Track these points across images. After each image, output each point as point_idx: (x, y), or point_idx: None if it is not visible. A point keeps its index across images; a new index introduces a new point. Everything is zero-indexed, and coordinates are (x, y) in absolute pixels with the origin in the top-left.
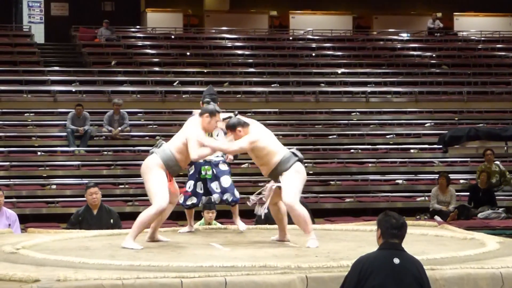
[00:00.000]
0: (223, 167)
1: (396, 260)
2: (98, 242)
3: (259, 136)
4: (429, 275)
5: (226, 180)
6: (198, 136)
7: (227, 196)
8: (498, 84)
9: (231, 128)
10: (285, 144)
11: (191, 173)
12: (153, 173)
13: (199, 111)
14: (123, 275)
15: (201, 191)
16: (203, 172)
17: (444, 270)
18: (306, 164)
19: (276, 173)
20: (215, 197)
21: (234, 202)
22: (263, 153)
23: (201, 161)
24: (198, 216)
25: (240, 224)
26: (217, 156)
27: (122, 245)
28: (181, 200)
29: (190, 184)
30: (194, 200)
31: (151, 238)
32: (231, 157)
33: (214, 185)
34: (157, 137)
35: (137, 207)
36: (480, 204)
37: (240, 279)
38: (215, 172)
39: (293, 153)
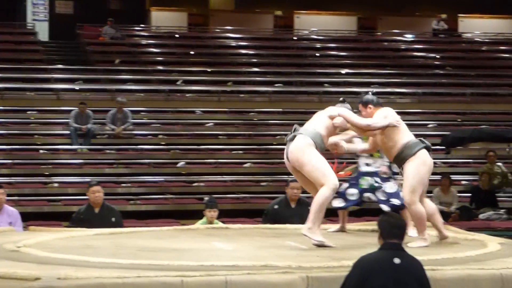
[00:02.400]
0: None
1: (397, 260)
2: (100, 240)
3: (392, 113)
4: (430, 276)
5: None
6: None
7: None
8: (501, 86)
9: (363, 103)
10: None
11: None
12: (310, 153)
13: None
14: (124, 273)
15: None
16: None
17: (445, 271)
18: None
19: (401, 158)
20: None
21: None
22: (393, 134)
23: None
24: (200, 215)
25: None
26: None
27: (303, 232)
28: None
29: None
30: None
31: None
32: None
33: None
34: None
35: (139, 205)
36: (482, 205)
37: (241, 278)
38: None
39: (421, 140)
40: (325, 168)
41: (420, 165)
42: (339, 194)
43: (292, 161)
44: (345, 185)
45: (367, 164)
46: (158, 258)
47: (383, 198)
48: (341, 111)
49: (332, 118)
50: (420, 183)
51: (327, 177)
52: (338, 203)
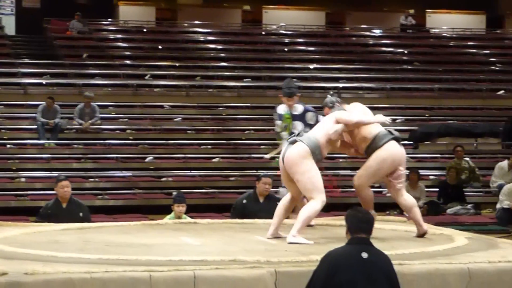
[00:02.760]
0: None
1: (364, 255)
2: (68, 235)
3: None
4: (397, 270)
5: None
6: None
7: None
8: (469, 81)
9: (329, 106)
10: (257, 139)
11: None
12: (307, 164)
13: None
14: (92, 268)
15: None
16: None
17: (412, 265)
18: (277, 159)
19: (370, 150)
20: None
21: None
22: (364, 127)
23: None
24: (168, 210)
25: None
26: None
27: (289, 240)
28: None
29: None
30: None
31: (273, 235)
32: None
33: None
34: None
35: (107, 200)
36: (450, 200)
37: (209, 273)
38: None
39: (389, 131)
40: (318, 182)
41: (382, 157)
42: None
43: (287, 166)
44: None
45: None
46: (126, 253)
47: None
48: (338, 116)
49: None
50: (373, 175)
51: (318, 193)
52: None
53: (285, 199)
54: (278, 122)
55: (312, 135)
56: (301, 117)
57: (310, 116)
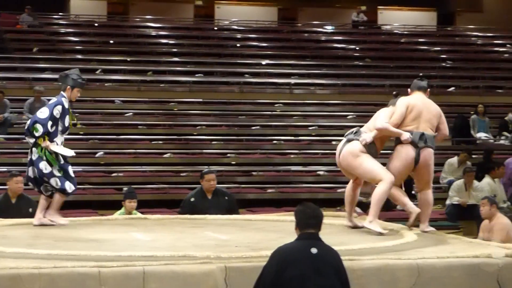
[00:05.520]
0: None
1: (314, 250)
2: (16, 230)
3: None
4: (347, 266)
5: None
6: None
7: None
8: None
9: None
10: (209, 135)
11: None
12: (362, 157)
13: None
14: (40, 264)
15: None
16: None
17: (362, 261)
18: (228, 155)
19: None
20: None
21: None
22: None
23: None
24: (119, 206)
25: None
26: None
27: (365, 225)
28: None
29: None
30: None
31: (350, 224)
32: None
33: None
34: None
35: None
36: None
37: (159, 268)
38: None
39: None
40: (376, 167)
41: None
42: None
43: (343, 164)
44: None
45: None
46: (76, 248)
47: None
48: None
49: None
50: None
51: (381, 174)
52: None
53: (348, 186)
54: None
55: (363, 131)
56: None
57: None
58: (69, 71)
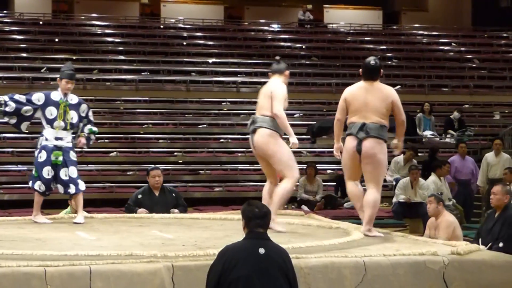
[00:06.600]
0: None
1: (262, 250)
2: None
3: None
4: (294, 264)
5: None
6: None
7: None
8: None
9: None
10: (155, 133)
11: (43, 159)
12: (279, 143)
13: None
14: None
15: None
16: (53, 158)
17: (308, 259)
18: (175, 153)
19: None
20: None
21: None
22: None
23: (52, 146)
24: (65, 205)
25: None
26: (68, 142)
27: (273, 227)
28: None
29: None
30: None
31: None
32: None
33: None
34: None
35: (2, 195)
36: (346, 194)
37: (105, 267)
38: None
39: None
40: (290, 161)
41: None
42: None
43: (259, 152)
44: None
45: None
46: (20, 248)
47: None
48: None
49: None
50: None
51: (289, 170)
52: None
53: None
54: None
55: (263, 115)
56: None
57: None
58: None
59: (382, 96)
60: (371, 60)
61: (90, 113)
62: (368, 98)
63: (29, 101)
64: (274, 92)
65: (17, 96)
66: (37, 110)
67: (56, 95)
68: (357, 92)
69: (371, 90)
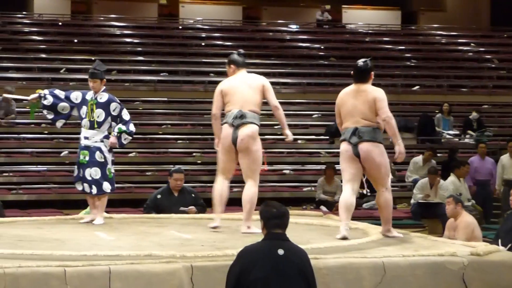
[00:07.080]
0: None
1: (280, 251)
2: None
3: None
4: (312, 264)
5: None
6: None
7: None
8: (384, 77)
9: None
10: (173, 134)
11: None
12: (260, 143)
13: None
14: (4, 263)
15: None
16: (81, 157)
17: (327, 259)
18: (193, 154)
19: None
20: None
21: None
22: None
23: (82, 145)
24: (84, 205)
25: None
26: (95, 142)
27: (244, 231)
28: None
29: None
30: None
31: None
32: None
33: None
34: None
35: (21, 195)
36: (365, 195)
37: (124, 268)
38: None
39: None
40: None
41: None
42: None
43: (242, 147)
44: None
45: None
46: (40, 248)
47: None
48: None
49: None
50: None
51: (257, 174)
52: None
53: (221, 186)
54: None
55: (251, 110)
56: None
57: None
58: None
59: (367, 98)
60: (361, 61)
61: (124, 112)
62: (355, 102)
63: (67, 98)
64: (267, 85)
65: (57, 91)
66: (73, 108)
67: (89, 94)
68: (344, 96)
69: (358, 93)
